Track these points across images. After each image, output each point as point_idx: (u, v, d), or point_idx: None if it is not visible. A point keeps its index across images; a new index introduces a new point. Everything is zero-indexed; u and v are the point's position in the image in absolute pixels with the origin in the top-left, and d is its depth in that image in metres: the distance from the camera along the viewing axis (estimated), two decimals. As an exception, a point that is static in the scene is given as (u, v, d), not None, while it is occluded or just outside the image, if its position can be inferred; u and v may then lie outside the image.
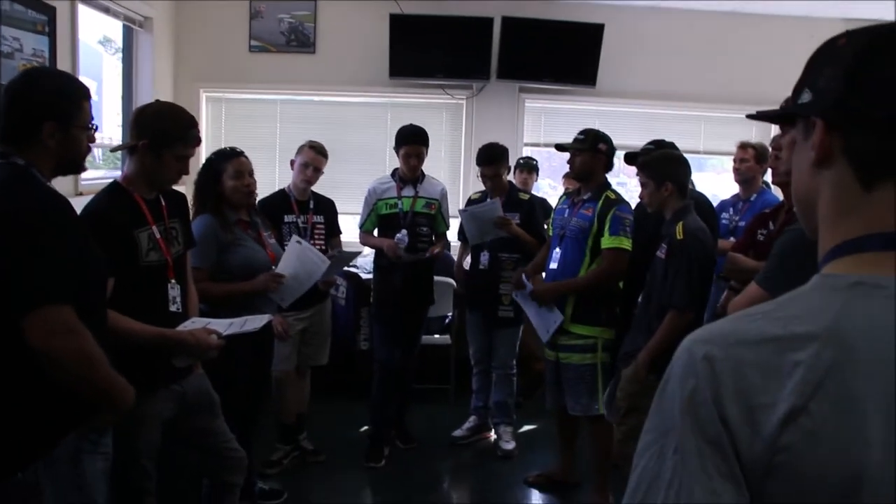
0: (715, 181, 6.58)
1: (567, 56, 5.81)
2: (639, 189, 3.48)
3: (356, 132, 6.04)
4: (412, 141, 4.31)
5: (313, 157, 4.14)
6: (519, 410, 4.84)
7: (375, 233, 4.45)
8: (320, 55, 5.91)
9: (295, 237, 3.67)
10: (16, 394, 1.85)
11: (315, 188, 4.27)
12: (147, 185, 2.53)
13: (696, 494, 0.72)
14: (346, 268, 4.71)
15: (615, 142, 3.93)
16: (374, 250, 4.52)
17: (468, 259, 4.75)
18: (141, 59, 5.45)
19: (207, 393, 2.74)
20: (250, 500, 3.68)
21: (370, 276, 4.80)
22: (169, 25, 5.74)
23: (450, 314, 5.28)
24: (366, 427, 4.64)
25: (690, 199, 3.35)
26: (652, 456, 0.77)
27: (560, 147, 3.96)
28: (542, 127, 6.25)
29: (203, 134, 4.52)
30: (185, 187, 3.45)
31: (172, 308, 2.56)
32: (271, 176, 5.57)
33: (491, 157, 4.39)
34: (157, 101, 2.89)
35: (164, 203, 2.60)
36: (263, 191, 3.87)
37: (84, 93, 2.07)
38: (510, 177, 4.68)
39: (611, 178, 4.01)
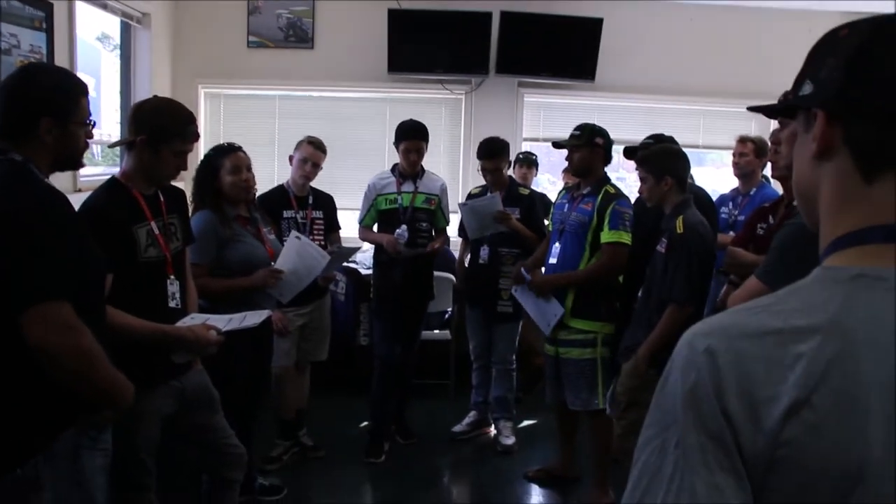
0: (714, 176, 6.58)
1: (566, 51, 5.80)
2: (638, 184, 3.48)
3: (355, 127, 6.04)
4: (412, 136, 4.30)
5: (312, 153, 4.14)
6: (519, 405, 4.84)
7: (375, 228, 4.45)
8: (319, 51, 5.90)
9: (294, 233, 3.66)
10: (15, 390, 1.85)
11: (314, 184, 4.26)
12: (145, 180, 2.52)
13: (697, 489, 0.72)
14: (345, 263, 4.71)
15: (614, 136, 3.92)
16: (373, 246, 4.51)
17: (468, 255, 4.75)
18: (139, 56, 5.44)
19: (207, 389, 2.73)
20: (250, 495, 3.68)
21: (370, 271, 4.80)
22: (167, 21, 5.73)
23: (449, 309, 5.28)
24: (365, 423, 4.64)
25: (690, 194, 3.35)
26: (653, 450, 0.76)
27: (557, 144, 3.96)
28: (542, 121, 6.24)
29: (201, 130, 4.52)
30: (184, 183, 3.45)
31: (171, 304, 2.56)
32: (270, 172, 5.57)
33: (492, 151, 4.39)
34: (155, 96, 2.89)
35: (162, 199, 2.59)
36: (262, 186, 3.87)
37: (81, 89, 2.06)
38: (510, 172, 4.67)
39: (610, 173, 4.01)
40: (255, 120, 6.05)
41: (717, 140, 6.21)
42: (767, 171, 4.41)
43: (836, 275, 0.77)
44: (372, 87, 6.01)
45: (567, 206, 3.88)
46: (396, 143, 4.36)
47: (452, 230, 4.87)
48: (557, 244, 3.86)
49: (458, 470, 4.54)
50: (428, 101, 6.08)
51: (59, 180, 2.17)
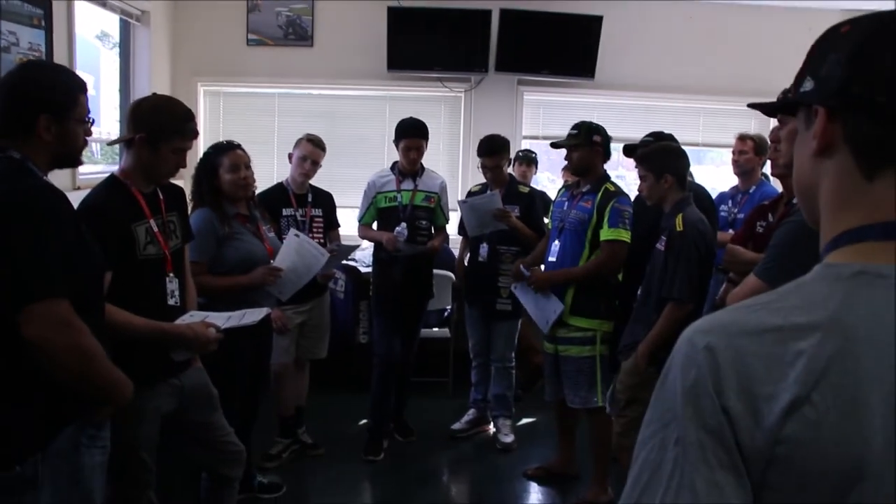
0: (714, 174, 6.58)
1: (565, 48, 5.79)
2: (638, 182, 3.47)
3: (354, 125, 6.04)
4: (412, 134, 4.30)
5: (311, 151, 4.13)
6: (518, 403, 4.84)
7: (374, 226, 4.45)
8: (318, 48, 5.90)
9: (293, 230, 3.66)
10: (14, 387, 1.85)
11: (313, 181, 4.26)
12: (144, 178, 2.52)
13: (697, 486, 0.72)
14: (344, 261, 4.71)
15: (614, 134, 3.92)
16: (373, 244, 4.51)
17: (468, 252, 4.75)
18: (138, 54, 5.43)
19: (206, 386, 2.73)
20: (249, 493, 3.69)
21: (369, 269, 4.80)
22: (166, 19, 5.72)
23: (449, 307, 5.28)
24: (364, 420, 4.64)
25: (689, 192, 3.35)
26: (653, 447, 0.76)
27: (555, 145, 3.96)
28: (541, 119, 6.24)
29: (201, 128, 4.51)
30: (184, 181, 3.44)
31: (170, 302, 2.56)
32: (269, 169, 5.56)
33: (492, 148, 4.38)
34: (154, 94, 2.88)
35: (161, 197, 2.59)
36: (262, 184, 3.86)
37: (80, 86, 2.06)
38: (509, 169, 4.67)
39: (610, 171, 4.00)
40: (255, 118, 6.05)
41: (716, 138, 6.21)
42: (767, 169, 4.40)
43: (836, 272, 0.77)
44: (371, 85, 6.00)
45: (567, 203, 3.88)
46: (396, 141, 4.36)
47: (452, 228, 4.87)
48: (557, 242, 3.86)
49: (456, 468, 4.54)
50: (427, 98, 6.07)
51: (58, 178, 2.16)
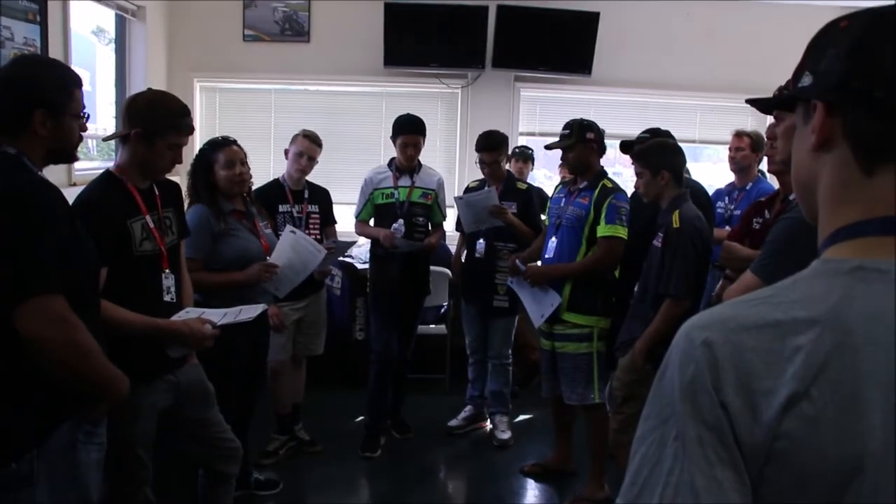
0: (711, 171, 6.58)
1: (562, 45, 5.79)
2: (634, 178, 3.47)
3: (351, 121, 6.04)
4: (409, 130, 4.29)
5: (307, 147, 4.12)
6: (515, 400, 4.85)
7: (371, 222, 4.44)
8: (315, 44, 5.89)
9: (289, 227, 3.65)
10: (10, 384, 1.84)
11: (309, 178, 4.25)
12: (140, 174, 2.51)
13: (696, 482, 0.71)
14: (341, 258, 4.70)
15: (611, 131, 3.93)
16: (369, 240, 4.51)
17: (464, 249, 4.74)
18: (134, 49, 5.42)
19: (202, 383, 2.73)
20: (246, 490, 3.69)
21: (366, 265, 4.80)
22: (162, 15, 5.71)
23: (445, 304, 5.28)
24: (361, 417, 4.63)
25: (686, 188, 3.35)
26: (651, 443, 0.76)
27: (550, 147, 3.96)
28: (538, 116, 6.24)
29: (197, 124, 4.48)
30: (180, 177, 3.43)
31: (167, 298, 2.55)
32: (266, 165, 5.55)
33: (491, 144, 4.38)
34: (150, 89, 2.87)
35: (157, 193, 2.58)
36: (258, 180, 3.86)
37: (75, 81, 2.05)
38: (507, 166, 4.67)
39: (606, 168, 3.99)
40: (251, 114, 6.04)
41: (713, 135, 6.20)
42: (763, 165, 4.41)
43: (835, 267, 0.77)
44: (368, 81, 6.00)
45: (564, 200, 3.88)
46: (393, 138, 4.35)
47: (449, 225, 4.86)
48: (554, 239, 3.86)
49: (453, 465, 4.54)
50: (424, 95, 6.06)
51: (53, 174, 2.16)
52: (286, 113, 6.00)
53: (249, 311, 2.80)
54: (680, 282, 3.09)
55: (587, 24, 5.72)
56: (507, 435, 4.56)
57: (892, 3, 0.80)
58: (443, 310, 5.34)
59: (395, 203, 4.34)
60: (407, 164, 4.35)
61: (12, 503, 1.84)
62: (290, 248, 3.47)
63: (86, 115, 2.07)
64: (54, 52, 3.98)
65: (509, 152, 5.04)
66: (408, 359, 4.60)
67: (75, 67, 3.54)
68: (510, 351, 4.60)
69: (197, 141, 4.60)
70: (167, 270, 2.56)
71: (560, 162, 5.15)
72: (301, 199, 4.19)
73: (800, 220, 2.20)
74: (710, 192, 4.34)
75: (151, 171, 2.53)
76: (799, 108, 0.85)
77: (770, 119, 3.23)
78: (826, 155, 0.80)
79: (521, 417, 4.95)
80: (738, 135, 4.60)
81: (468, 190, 4.63)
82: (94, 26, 5.27)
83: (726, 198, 4.62)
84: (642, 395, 0.82)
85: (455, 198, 4.52)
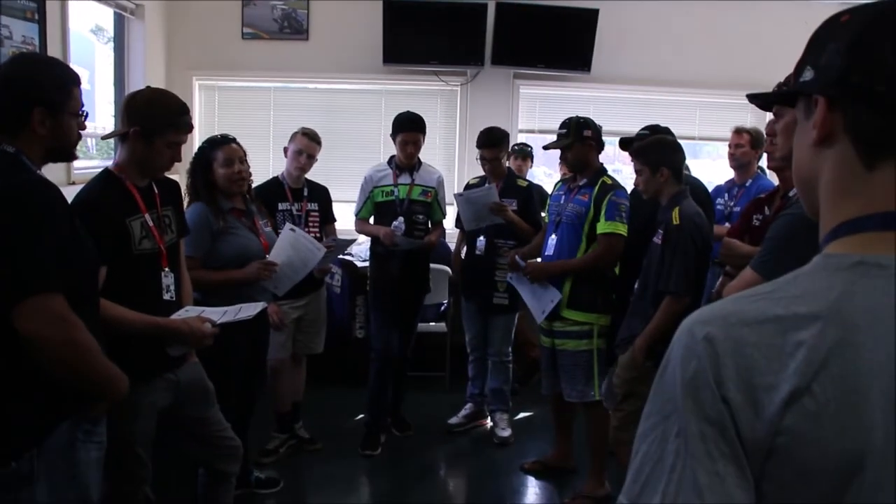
0: (711, 167, 6.57)
1: (561, 42, 5.79)
2: (634, 176, 3.47)
3: (350, 119, 6.02)
4: (409, 128, 4.28)
5: (306, 144, 4.12)
6: (515, 397, 4.85)
7: (371, 220, 4.43)
8: (314, 42, 5.88)
9: (288, 225, 3.65)
10: (10, 383, 1.84)
11: (309, 175, 4.25)
12: (139, 172, 2.50)
13: (699, 478, 0.71)
14: (341, 256, 4.70)
15: (610, 128, 3.93)
16: (370, 238, 4.50)
17: (464, 247, 4.74)
18: (133, 48, 5.41)
19: (202, 381, 2.72)
20: (246, 488, 3.69)
21: (365, 264, 4.80)
22: (161, 13, 5.70)
23: (445, 302, 5.27)
24: (362, 415, 4.63)
25: (686, 185, 3.35)
26: (654, 440, 0.76)
27: (548, 147, 3.96)
28: (537, 113, 6.23)
29: (196, 122, 4.47)
30: (179, 176, 3.43)
31: (166, 297, 2.54)
32: (265, 164, 5.54)
33: (492, 140, 4.37)
34: (148, 87, 2.85)
35: (156, 191, 2.57)
36: (257, 178, 3.86)
37: (74, 79, 2.04)
38: (507, 163, 4.66)
39: (606, 165, 3.99)
40: (250, 112, 6.03)
41: (713, 131, 6.20)
42: (763, 162, 4.40)
43: (836, 262, 0.76)
44: (367, 79, 5.99)
45: (563, 197, 3.88)
46: (393, 135, 4.34)
47: (448, 223, 4.86)
48: (554, 236, 3.86)
49: (454, 462, 4.54)
50: (423, 92, 6.05)
51: (52, 172, 2.15)
52: (285, 111, 5.99)
53: (249, 310, 2.80)
54: (680, 279, 3.09)
55: (586, 20, 5.71)
56: (507, 432, 4.55)
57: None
58: (443, 307, 5.34)
59: (395, 201, 4.33)
60: (407, 162, 4.34)
61: (12, 502, 1.84)
62: (290, 246, 3.47)
63: (84, 114, 2.07)
64: (53, 51, 3.97)
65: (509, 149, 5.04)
66: (408, 356, 4.60)
67: (74, 66, 3.54)
68: (510, 348, 4.60)
69: (196, 139, 4.60)
70: (166, 269, 2.55)
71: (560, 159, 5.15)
72: (300, 197, 4.18)
73: (799, 216, 2.20)
74: (710, 188, 4.34)
75: (150, 169, 2.52)
76: (800, 103, 0.85)
77: (769, 116, 3.23)
78: (827, 150, 0.80)
79: (522, 415, 4.95)
80: (738, 131, 4.59)
81: (468, 187, 4.63)
82: (93, 25, 5.26)
83: (726, 194, 4.62)
84: (642, 393, 0.82)
85: (455, 194, 4.51)
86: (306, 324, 4.20)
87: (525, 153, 5.54)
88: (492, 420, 4.69)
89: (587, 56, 5.77)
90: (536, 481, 4.15)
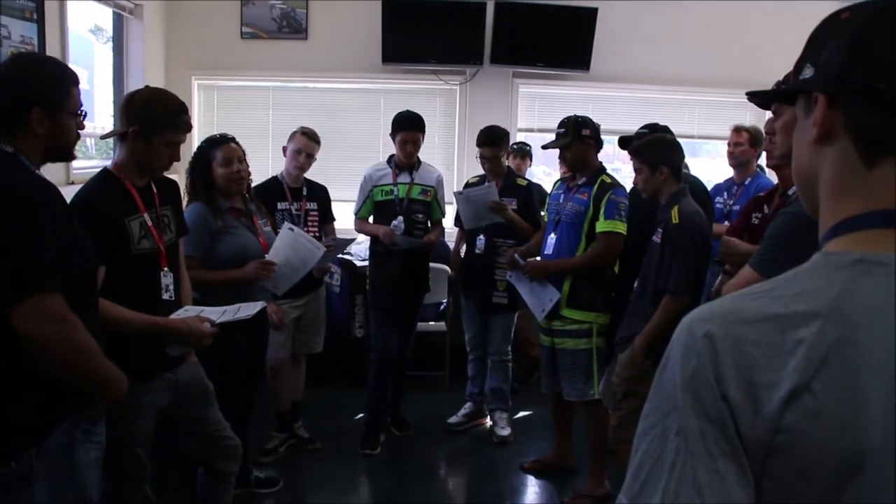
0: (710, 166, 6.57)
1: (560, 41, 5.78)
2: (633, 174, 3.47)
3: (349, 119, 6.02)
4: (408, 127, 4.28)
5: (305, 144, 4.12)
6: (514, 396, 4.85)
7: (371, 219, 4.43)
8: (313, 41, 5.88)
9: (287, 224, 3.64)
10: (9, 383, 1.84)
11: (308, 175, 4.25)
12: (138, 172, 2.50)
13: (699, 476, 0.71)
14: (340, 255, 4.70)
15: (609, 126, 3.93)
16: (369, 237, 4.50)
17: (464, 245, 4.74)
18: (132, 47, 5.41)
19: (201, 381, 2.72)
20: (246, 488, 3.69)
21: (365, 263, 4.79)
22: (160, 12, 5.69)
23: (445, 301, 5.27)
24: (361, 415, 4.63)
25: (685, 184, 3.35)
26: (653, 438, 0.76)
27: (547, 146, 3.96)
28: (537, 112, 6.22)
29: (195, 122, 4.46)
30: (178, 176, 3.42)
31: (165, 296, 2.54)
32: (264, 163, 5.53)
33: (492, 139, 4.37)
34: (147, 87, 2.85)
35: (155, 190, 2.57)
36: (256, 178, 3.85)
37: (72, 79, 2.04)
38: (507, 162, 4.66)
39: (605, 164, 3.99)
40: (249, 111, 6.03)
41: (712, 130, 6.19)
42: (762, 160, 4.40)
43: (836, 260, 0.76)
44: (366, 78, 5.98)
45: (563, 196, 3.88)
46: (393, 134, 4.34)
47: (448, 222, 4.86)
48: (553, 235, 3.86)
49: (453, 461, 4.54)
50: (422, 91, 6.05)
51: (51, 172, 2.15)
52: (284, 110, 5.99)
53: (248, 309, 2.80)
54: (679, 277, 3.09)
55: (585, 19, 5.71)
56: (506, 431, 4.56)
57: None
58: (442, 306, 5.34)
59: (395, 200, 4.33)
60: (406, 161, 4.34)
61: (12, 502, 1.83)
62: (289, 245, 3.46)
63: (83, 114, 2.06)
64: (51, 51, 3.97)
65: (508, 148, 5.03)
66: (407, 356, 4.60)
67: (73, 66, 3.54)
68: (510, 347, 4.60)
69: (195, 139, 4.59)
70: (165, 268, 2.55)
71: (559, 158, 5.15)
72: (299, 197, 4.18)
73: (798, 214, 2.20)
74: (709, 187, 4.34)
75: (149, 168, 2.52)
76: (800, 100, 0.85)
77: (769, 114, 3.23)
78: (827, 148, 0.80)
79: (521, 414, 4.95)
80: (737, 130, 4.60)
81: (468, 186, 4.62)
82: (92, 24, 5.25)
83: (725, 193, 4.62)
84: (642, 392, 0.82)
85: (455, 193, 4.51)
86: (306, 323, 4.20)
87: (524, 152, 5.53)
88: (491, 419, 4.69)
89: (586, 55, 5.77)
90: (536, 480, 4.15)
